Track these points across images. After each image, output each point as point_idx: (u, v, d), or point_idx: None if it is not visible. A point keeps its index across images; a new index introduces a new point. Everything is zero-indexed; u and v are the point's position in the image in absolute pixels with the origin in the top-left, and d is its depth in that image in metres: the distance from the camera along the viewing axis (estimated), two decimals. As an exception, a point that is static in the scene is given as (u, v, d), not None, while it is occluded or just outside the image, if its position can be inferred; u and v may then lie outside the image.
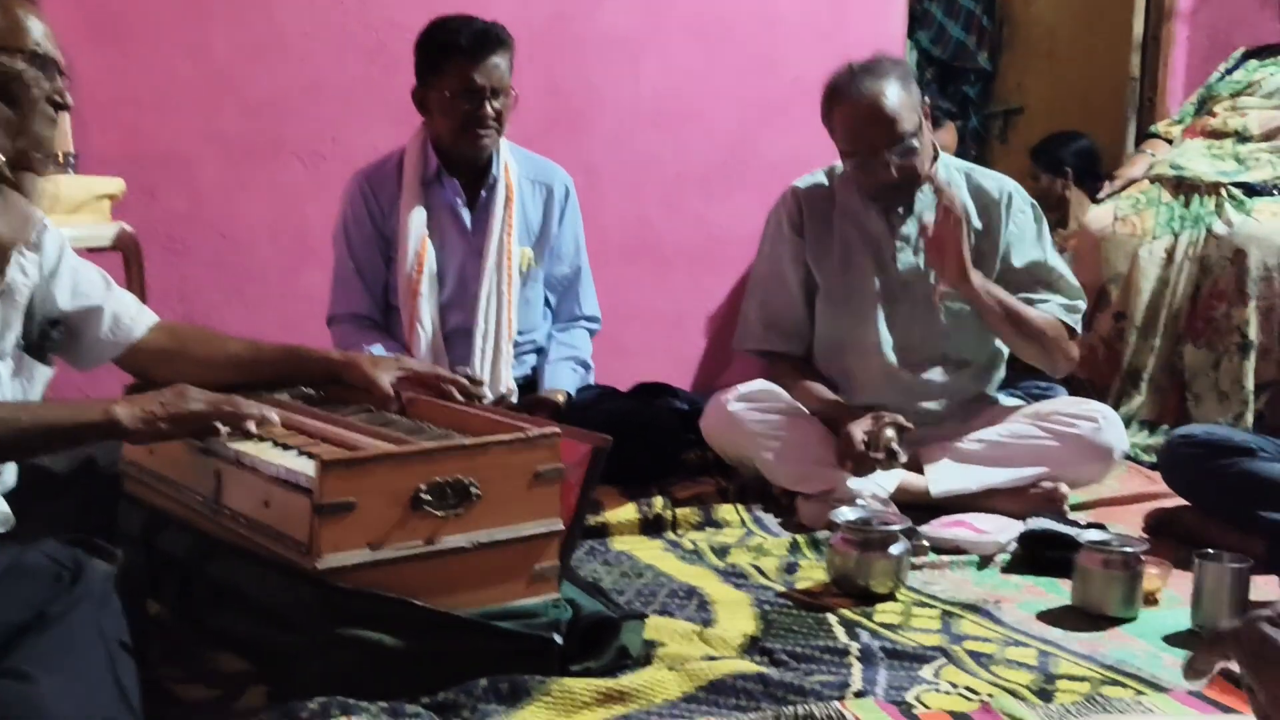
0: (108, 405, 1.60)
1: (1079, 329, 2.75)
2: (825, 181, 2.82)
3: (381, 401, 1.95)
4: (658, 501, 2.57)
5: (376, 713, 1.46)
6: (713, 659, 1.71)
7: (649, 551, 2.33)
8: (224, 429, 1.64)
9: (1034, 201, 2.82)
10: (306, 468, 1.53)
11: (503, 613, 1.60)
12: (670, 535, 2.45)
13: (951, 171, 2.77)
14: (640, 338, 2.98)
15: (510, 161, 2.86)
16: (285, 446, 1.67)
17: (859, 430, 2.51)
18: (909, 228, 2.73)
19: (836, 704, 1.53)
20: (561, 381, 2.87)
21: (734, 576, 2.18)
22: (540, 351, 2.98)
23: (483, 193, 2.83)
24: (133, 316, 1.90)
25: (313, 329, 2.85)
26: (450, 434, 1.76)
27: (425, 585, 1.55)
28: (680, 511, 2.53)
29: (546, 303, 3.01)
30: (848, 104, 2.58)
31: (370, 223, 2.84)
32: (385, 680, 1.52)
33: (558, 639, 1.62)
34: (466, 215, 2.83)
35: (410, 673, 1.53)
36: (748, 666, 1.68)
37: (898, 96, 2.55)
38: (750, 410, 2.66)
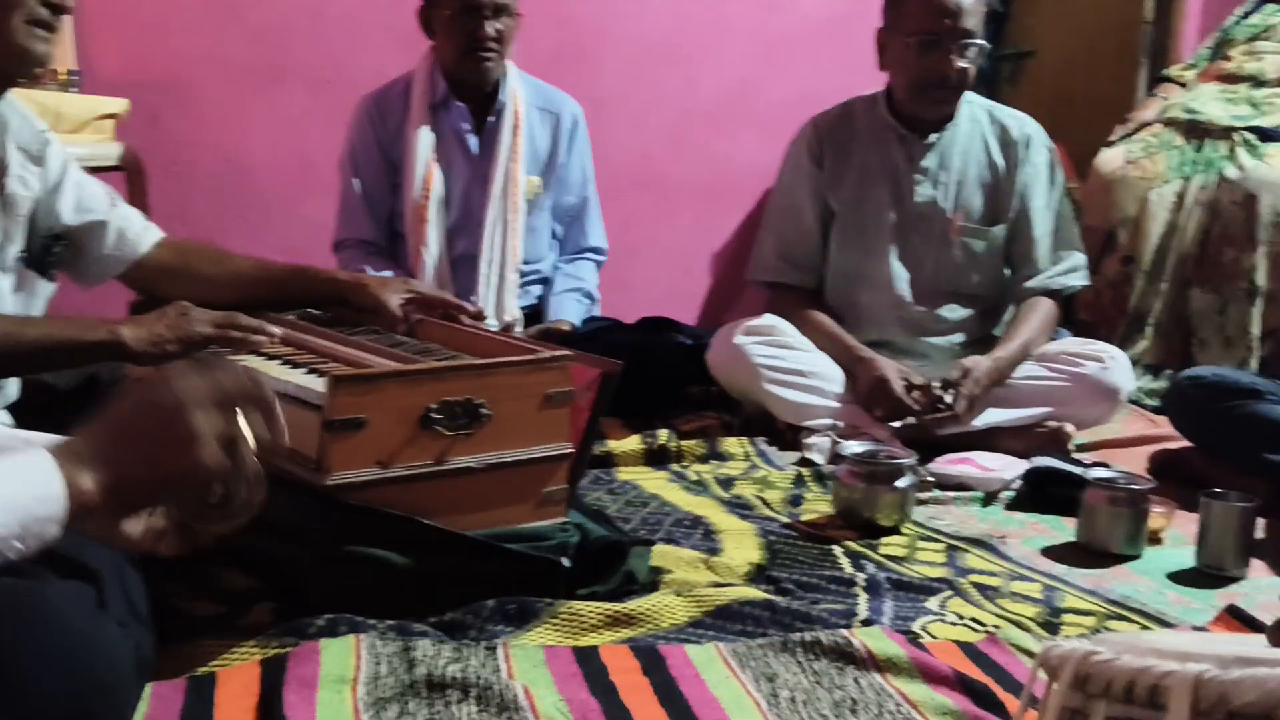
0: (114, 325, 1.59)
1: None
2: (846, 113, 2.80)
3: (389, 323, 1.93)
4: (662, 434, 2.57)
5: (384, 630, 1.46)
6: (719, 586, 1.71)
7: (654, 482, 2.33)
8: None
9: (1052, 145, 2.81)
10: (316, 384, 1.52)
11: (511, 534, 1.60)
12: (675, 467, 2.45)
13: (975, 107, 2.76)
14: (646, 272, 2.97)
15: (519, 88, 2.83)
16: (293, 364, 1.65)
17: (898, 381, 2.51)
18: (929, 160, 2.71)
19: (844, 631, 1.53)
20: (567, 313, 2.86)
21: (739, 507, 2.18)
22: (546, 282, 2.96)
23: (490, 118, 2.80)
24: (137, 232, 1.87)
25: (316, 255, 2.82)
26: (459, 355, 1.75)
27: (434, 505, 1.54)
28: (685, 444, 2.53)
29: (553, 234, 2.99)
30: None
31: (377, 148, 2.81)
32: (393, 598, 1.51)
33: (565, 562, 1.62)
34: (474, 141, 2.80)
35: (418, 592, 1.53)
36: (754, 593, 1.68)
37: None
38: (756, 344, 2.65)
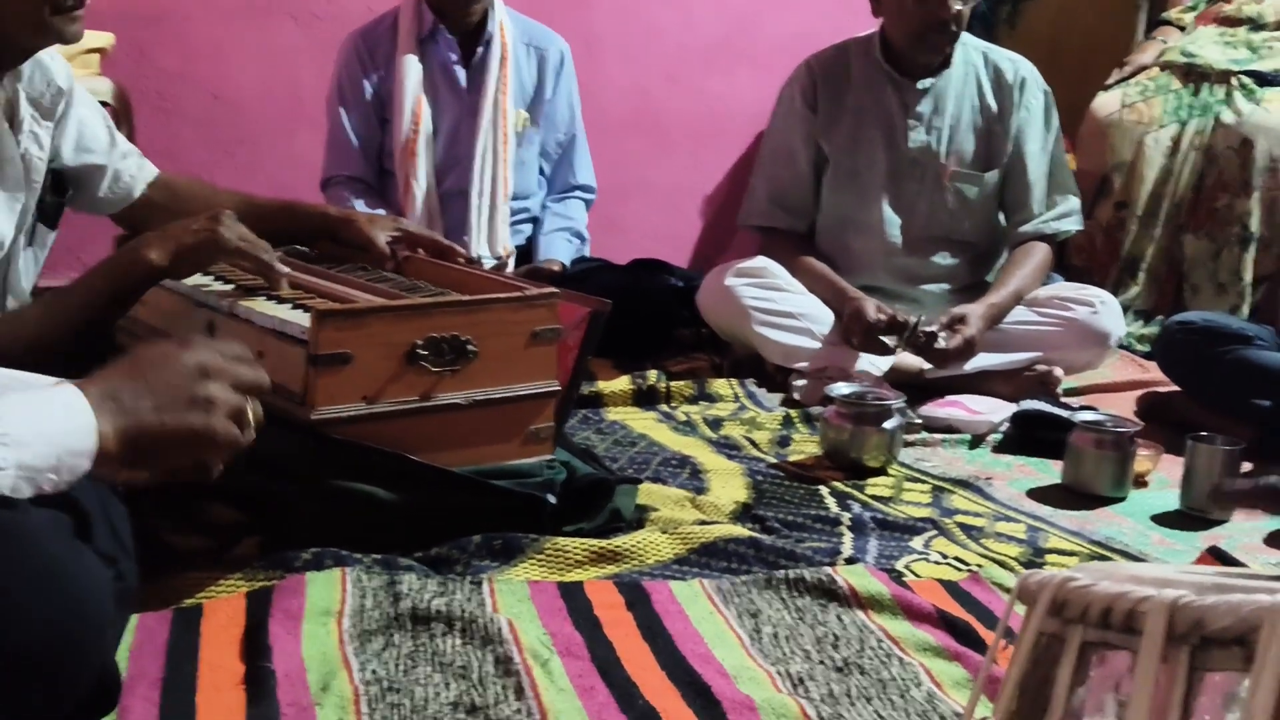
0: (137, 253, 1.56)
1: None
2: (840, 55, 2.77)
3: (377, 259, 1.92)
4: (651, 375, 2.56)
5: (369, 564, 1.46)
6: (705, 524, 1.71)
7: (642, 422, 2.33)
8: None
9: (1047, 89, 2.78)
10: (302, 319, 1.51)
11: (497, 471, 1.60)
12: (663, 407, 2.45)
13: (970, 50, 2.74)
14: (638, 213, 2.95)
15: (506, 22, 2.80)
16: (279, 299, 1.64)
17: (872, 307, 2.50)
18: (923, 105, 2.69)
19: (828, 569, 1.54)
20: (557, 252, 2.85)
21: (726, 448, 2.18)
22: (535, 221, 2.95)
23: (479, 50, 2.78)
24: (132, 174, 1.87)
25: (304, 191, 2.81)
26: (447, 292, 1.74)
27: (420, 441, 1.54)
28: (674, 384, 2.53)
29: (541, 171, 2.97)
30: None
31: (365, 83, 2.79)
32: (379, 533, 1.52)
33: (552, 499, 1.62)
34: (461, 74, 2.78)
35: (404, 527, 1.53)
36: (740, 531, 1.69)
37: None
38: (746, 286, 2.64)
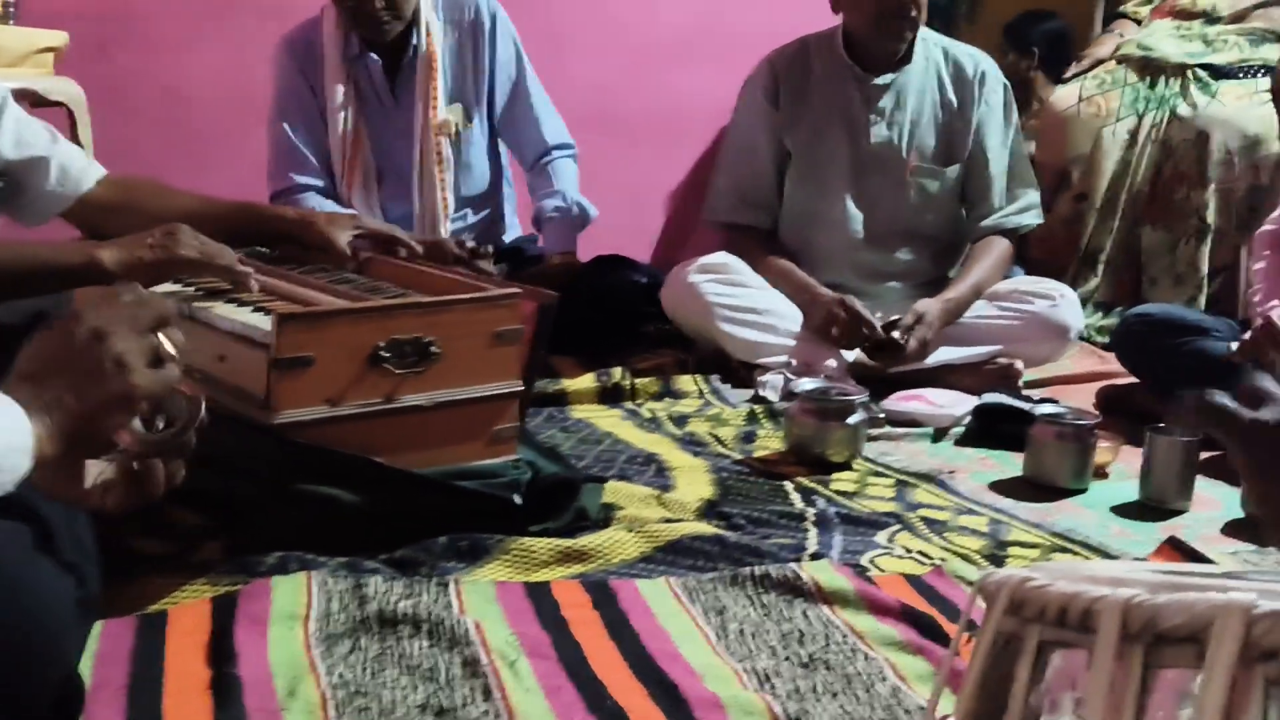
0: (93, 248, 1.56)
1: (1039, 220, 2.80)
2: (802, 50, 2.79)
3: (337, 260, 1.91)
4: (616, 372, 2.57)
5: (335, 567, 1.46)
6: (671, 522, 1.72)
7: (607, 420, 2.33)
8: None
9: (1007, 82, 2.81)
10: (263, 323, 1.51)
11: (462, 472, 1.60)
12: (629, 404, 2.45)
13: (930, 45, 2.76)
14: (602, 209, 2.94)
15: (432, 18, 2.69)
16: (240, 302, 1.64)
17: (858, 303, 2.52)
18: (885, 101, 2.71)
19: (793, 565, 1.55)
20: (552, 243, 2.80)
21: (692, 444, 2.19)
22: (500, 205, 2.91)
23: (405, 64, 2.70)
24: (81, 169, 1.84)
25: (263, 192, 2.79)
26: (409, 293, 1.73)
27: (384, 443, 1.54)
28: (639, 382, 2.53)
29: (496, 145, 2.88)
30: None
31: (308, 90, 2.70)
32: (343, 536, 1.51)
33: (517, 499, 1.62)
34: (390, 96, 2.72)
35: (368, 529, 1.53)
36: (705, 529, 1.69)
37: None
38: (710, 282, 2.65)
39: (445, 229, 2.73)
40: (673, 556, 1.61)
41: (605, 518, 1.73)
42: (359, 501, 1.51)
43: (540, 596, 1.46)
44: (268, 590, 1.38)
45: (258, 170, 2.89)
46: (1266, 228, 2.47)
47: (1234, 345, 2.24)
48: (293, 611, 1.35)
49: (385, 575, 1.46)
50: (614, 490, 1.83)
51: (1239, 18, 3.51)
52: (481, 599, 1.44)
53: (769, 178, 2.79)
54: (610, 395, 2.47)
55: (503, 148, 2.93)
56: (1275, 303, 2.28)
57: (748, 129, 2.81)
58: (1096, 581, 0.69)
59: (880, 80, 2.71)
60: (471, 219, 2.85)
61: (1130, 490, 2.04)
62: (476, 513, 1.59)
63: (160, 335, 0.99)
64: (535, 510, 1.65)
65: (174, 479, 1.03)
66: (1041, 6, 4.54)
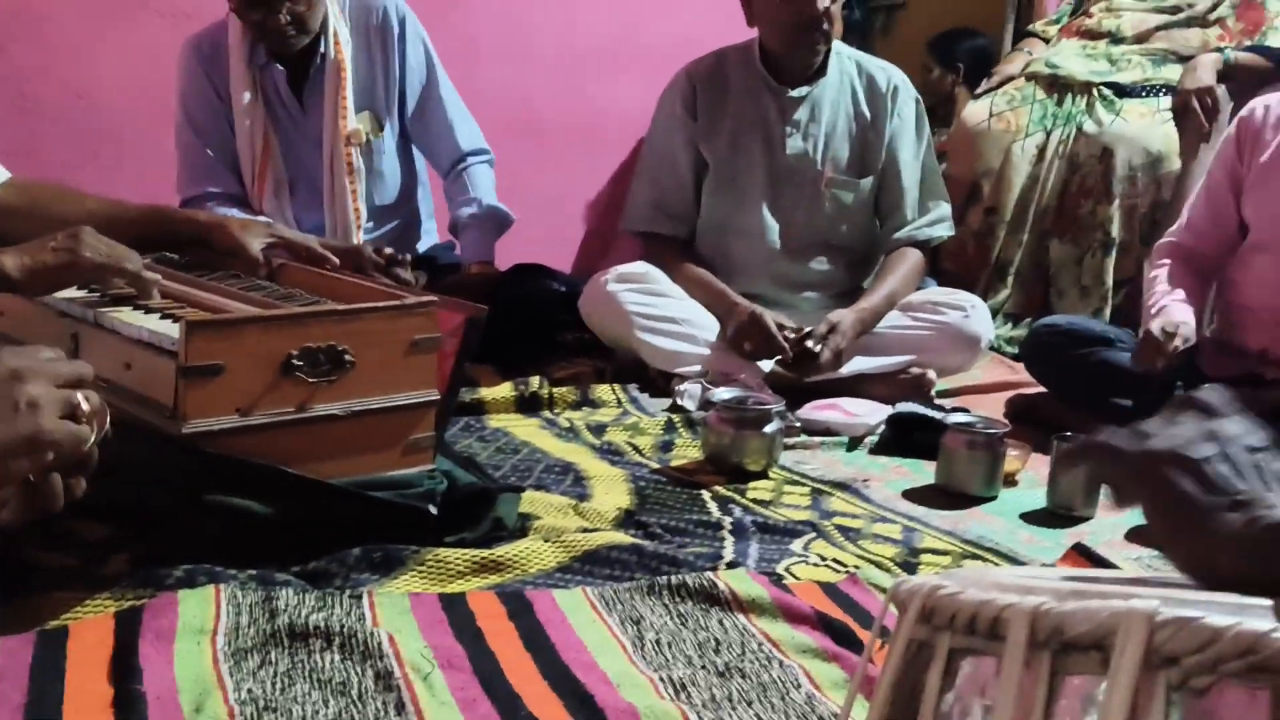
0: None
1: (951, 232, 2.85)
2: (719, 63, 2.81)
3: (250, 267, 1.88)
4: (534, 380, 2.56)
5: (245, 580, 1.43)
6: (588, 531, 1.72)
7: (525, 429, 2.33)
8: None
9: (918, 96, 2.86)
10: (171, 330, 1.47)
11: (377, 482, 1.58)
12: (547, 414, 2.45)
13: (844, 59, 2.79)
14: (520, 217, 2.93)
15: (340, 25, 2.64)
16: (147, 309, 1.60)
17: (770, 317, 2.54)
18: (800, 113, 2.74)
19: (709, 574, 1.55)
20: (471, 253, 2.78)
21: (610, 454, 2.19)
22: (414, 213, 2.88)
23: (315, 62, 2.65)
24: (-20, 170, 1.79)
25: (175, 197, 2.73)
26: (323, 300, 1.71)
27: (297, 453, 1.51)
28: (557, 391, 2.53)
29: (409, 151, 2.84)
30: None
31: (215, 95, 2.65)
32: (254, 548, 1.48)
33: (433, 509, 1.61)
34: (297, 106, 2.67)
35: (280, 541, 1.50)
36: (622, 538, 1.69)
37: None
38: (628, 291, 2.66)
39: (358, 238, 2.68)
40: (590, 566, 1.61)
41: (522, 528, 1.72)
42: (270, 512, 1.48)
43: (455, 607, 1.45)
44: (174, 604, 1.35)
45: (167, 173, 2.83)
46: (1165, 240, 2.54)
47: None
48: (200, 626, 1.32)
49: (297, 587, 1.43)
50: (531, 500, 1.82)
51: (1142, 39, 3.61)
52: (395, 611, 1.42)
53: (686, 188, 2.81)
54: (528, 404, 2.47)
55: (418, 154, 2.91)
56: (1163, 304, 2.35)
57: (665, 139, 2.82)
58: (1005, 589, 0.70)
59: (795, 93, 2.74)
60: (384, 228, 2.82)
61: (1038, 498, 2.08)
62: (391, 523, 1.57)
63: (79, 394, 0.99)
64: (451, 520, 1.64)
65: (74, 493, 1.01)
66: (960, 24, 4.63)
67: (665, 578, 1.54)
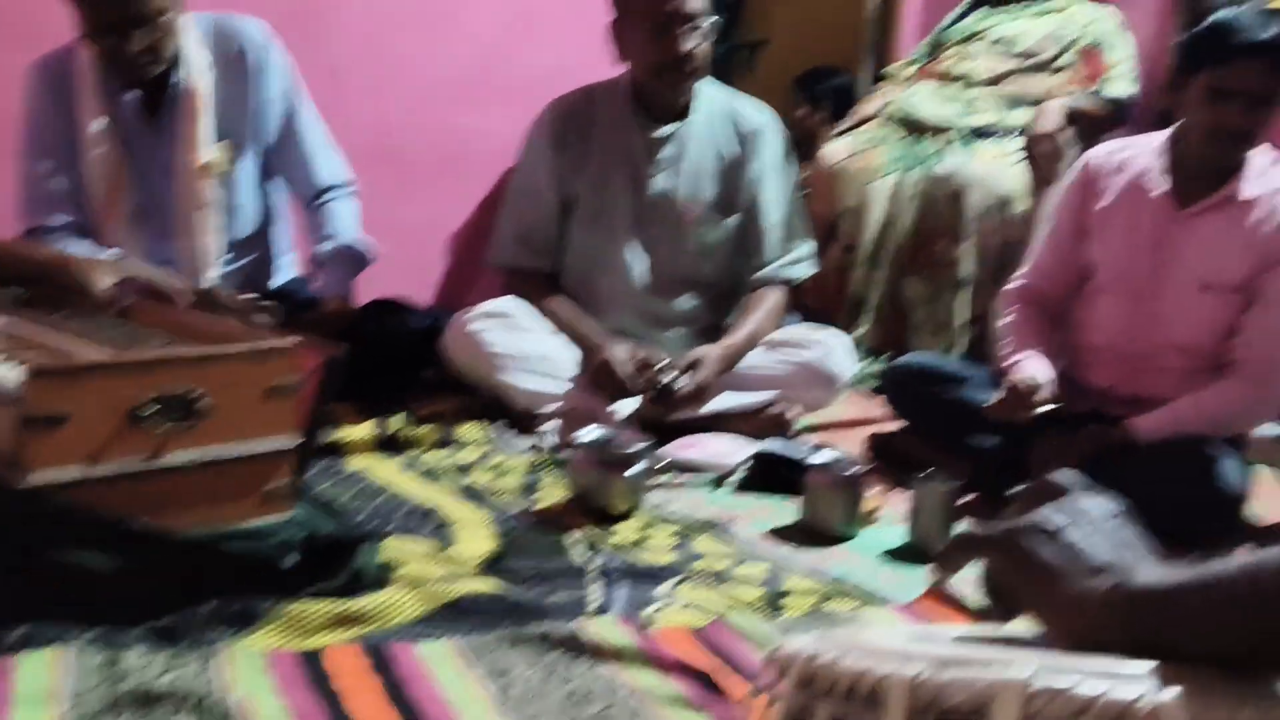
0: None
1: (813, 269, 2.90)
2: (587, 98, 2.81)
3: (99, 306, 1.80)
4: (395, 421, 2.50)
5: (89, 640, 1.36)
6: (451, 579, 1.68)
7: (386, 471, 2.27)
8: None
9: (784, 135, 2.90)
10: (12, 376, 1.40)
11: (232, 533, 1.53)
12: (408, 454, 2.40)
13: (711, 97, 2.82)
14: (382, 249, 2.87)
15: (194, 53, 2.55)
16: (-15, 352, 1.52)
17: (624, 356, 2.53)
18: (667, 150, 2.75)
19: (576, 623, 1.54)
20: (330, 288, 2.70)
21: (473, 496, 2.15)
22: (270, 247, 2.81)
23: (165, 101, 2.56)
24: None
25: (14, 230, 2.60)
26: (177, 343, 1.64)
27: (148, 504, 1.45)
28: (419, 430, 2.48)
29: (269, 184, 2.77)
30: None
31: (62, 120, 2.52)
32: (101, 605, 1.41)
33: (290, 560, 1.55)
34: (151, 134, 2.57)
35: (129, 597, 1.43)
36: (487, 586, 1.66)
37: None
38: (490, 331, 2.63)
39: (211, 272, 2.60)
40: (453, 616, 1.58)
41: (383, 577, 1.68)
42: (118, 567, 1.41)
43: (314, 664, 1.40)
44: (10, 670, 1.27)
45: (6, 205, 2.70)
46: (1012, 285, 2.63)
47: (990, 398, 2.36)
48: (40, 692, 1.25)
49: (145, 648, 1.37)
50: (392, 547, 1.78)
51: (994, 83, 3.73)
52: (251, 669, 1.37)
53: (552, 222, 2.80)
54: (389, 445, 2.41)
55: (276, 185, 2.83)
56: (1019, 357, 2.43)
57: (532, 173, 2.81)
58: (883, 656, 0.70)
59: (663, 130, 2.76)
60: (241, 261, 2.73)
61: (898, 535, 2.12)
62: (246, 576, 1.51)
63: None
64: (309, 571, 1.58)
65: None
66: (822, 63, 4.74)
67: (531, 627, 1.52)
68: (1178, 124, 2.39)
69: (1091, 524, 0.74)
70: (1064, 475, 0.81)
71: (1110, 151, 2.52)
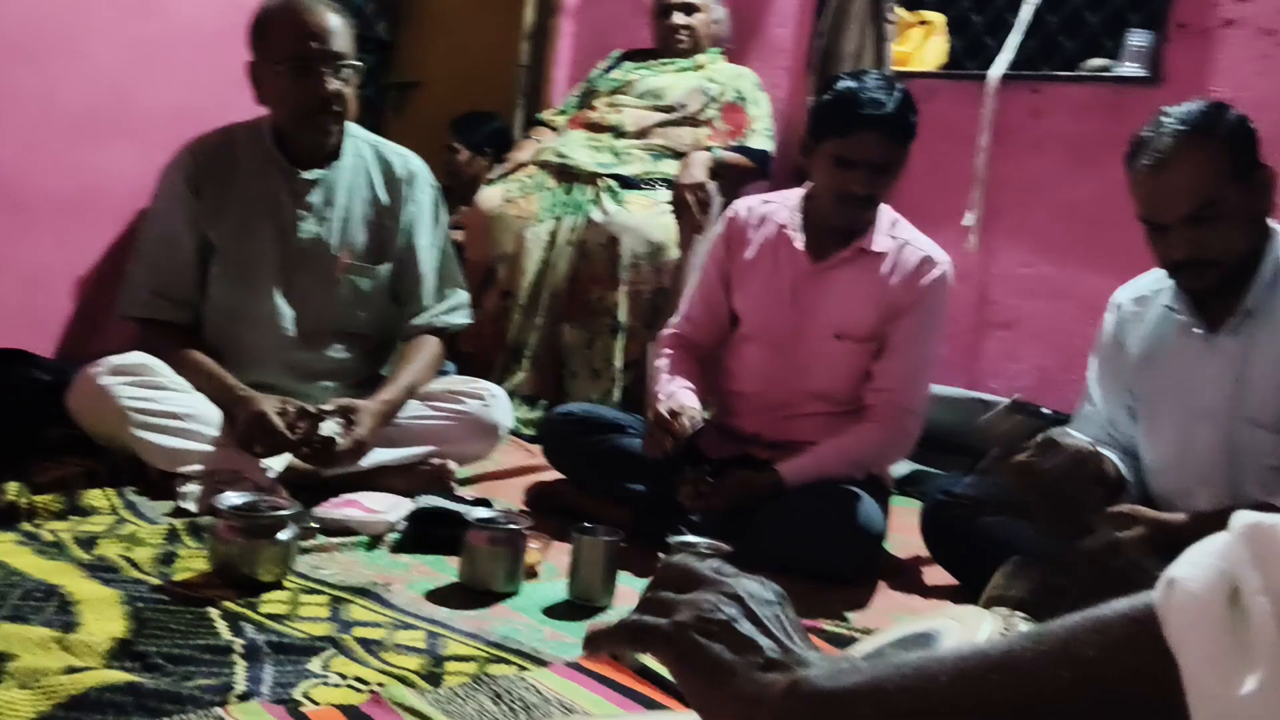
0: None
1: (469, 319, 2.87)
2: (227, 140, 2.66)
3: None
4: (12, 487, 2.26)
5: None
6: (75, 670, 1.52)
7: (0, 546, 2.04)
8: None
9: (436, 184, 2.86)
10: None
11: None
12: (26, 526, 2.16)
13: (360, 143, 2.74)
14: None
15: None
16: None
17: (273, 411, 2.40)
18: (314, 196, 2.65)
19: (218, 710, 1.42)
20: None
21: (102, 571, 1.96)
22: None
23: None
24: None
25: None
26: None
27: None
28: (39, 499, 2.24)
29: None
30: (290, 5, 2.51)
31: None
32: None
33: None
34: None
35: None
36: (116, 676, 1.51)
37: (337, 18, 2.55)
38: (124, 385, 2.43)
39: None
40: (78, 714, 1.42)
41: (-7, 674, 1.49)
42: None
43: (-98, 788, 1.22)
44: None
45: None
46: (668, 330, 2.71)
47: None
48: None
49: None
50: (5, 636, 1.59)
51: (642, 134, 3.86)
52: None
53: (190, 270, 2.62)
54: (4, 516, 2.17)
55: None
56: (669, 389, 2.50)
57: (167, 218, 2.63)
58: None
59: (309, 175, 2.65)
60: None
61: (560, 590, 2.11)
62: None
63: None
64: (-102, 676, 1.39)
65: None
66: (475, 107, 4.73)
67: (167, 720, 1.39)
68: (810, 184, 2.54)
69: (757, 609, 0.73)
70: (696, 558, 0.80)
71: (751, 206, 2.64)
